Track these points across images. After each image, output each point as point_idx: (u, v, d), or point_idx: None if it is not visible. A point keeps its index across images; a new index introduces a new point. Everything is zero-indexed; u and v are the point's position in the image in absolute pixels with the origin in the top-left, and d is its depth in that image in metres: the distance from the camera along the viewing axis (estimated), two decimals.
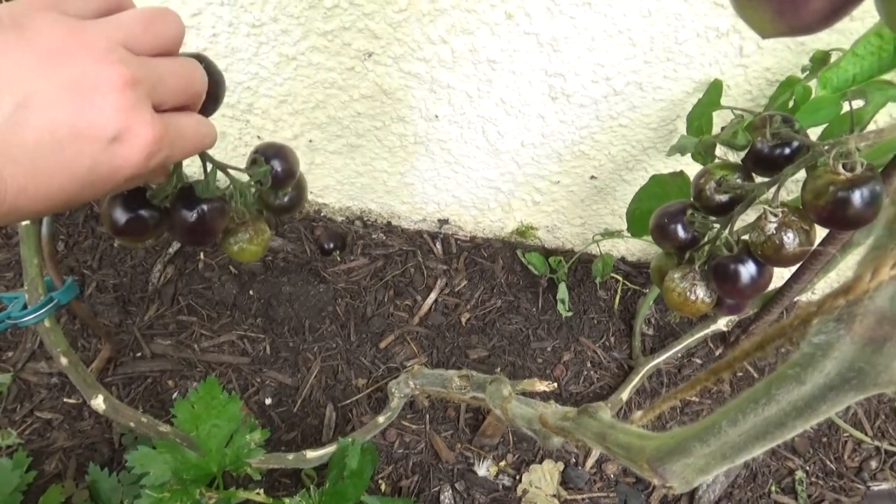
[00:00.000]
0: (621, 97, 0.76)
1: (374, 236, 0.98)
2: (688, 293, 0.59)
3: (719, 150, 0.63)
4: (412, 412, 0.86)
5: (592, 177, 0.88)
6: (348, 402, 0.85)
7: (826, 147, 0.50)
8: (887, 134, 0.53)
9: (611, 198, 0.90)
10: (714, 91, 0.72)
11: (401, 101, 0.81)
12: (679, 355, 0.93)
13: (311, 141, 0.89)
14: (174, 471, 0.55)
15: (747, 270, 0.55)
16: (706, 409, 0.91)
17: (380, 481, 0.81)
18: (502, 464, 0.83)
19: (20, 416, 0.82)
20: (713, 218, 0.59)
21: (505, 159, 0.87)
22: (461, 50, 0.74)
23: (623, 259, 1.00)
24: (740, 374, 0.96)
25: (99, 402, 0.67)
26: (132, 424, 0.67)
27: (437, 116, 0.82)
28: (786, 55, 0.69)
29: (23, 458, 0.75)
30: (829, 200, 0.49)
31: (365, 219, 1.00)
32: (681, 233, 0.60)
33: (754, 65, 0.71)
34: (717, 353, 0.94)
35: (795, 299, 0.84)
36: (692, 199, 0.60)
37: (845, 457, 0.91)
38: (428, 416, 0.86)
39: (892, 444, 0.93)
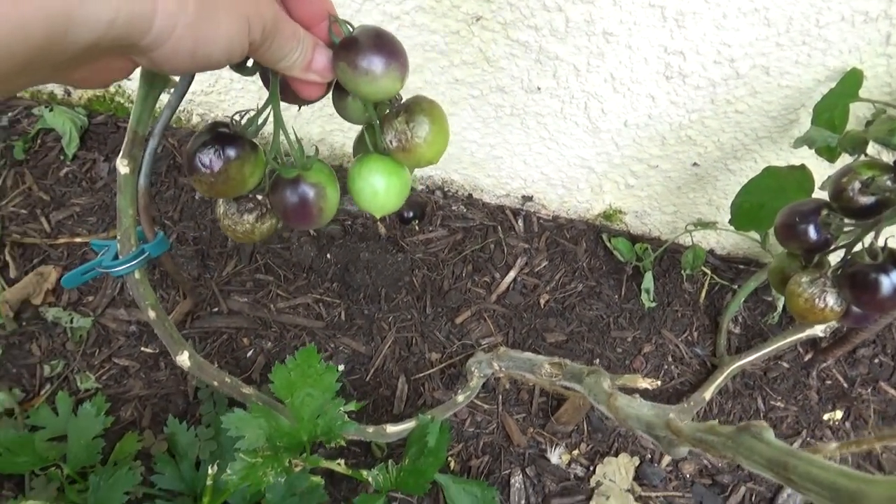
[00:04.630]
0: (743, 81, 0.71)
1: (454, 208, 0.95)
2: (816, 300, 0.55)
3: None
4: (485, 391, 0.84)
5: (695, 164, 0.83)
6: (421, 375, 0.84)
7: None
8: None
9: (710, 187, 0.86)
10: (851, 81, 0.66)
11: (503, 70, 0.78)
12: (766, 357, 0.89)
13: None
14: (268, 437, 0.54)
15: (891, 281, 0.51)
16: None
17: (449, 459, 0.80)
18: (575, 453, 0.81)
19: (98, 361, 0.82)
20: (852, 221, 0.54)
21: (604, 139, 0.82)
22: (577, 20, 0.69)
23: (712, 252, 0.95)
24: None
25: (184, 359, 0.67)
26: (215, 383, 0.67)
27: (539, 88, 0.78)
28: None
29: (102, 404, 0.75)
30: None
31: (446, 189, 0.97)
32: (812, 234, 0.56)
33: None
34: (807, 358, 0.89)
35: None
36: (829, 199, 0.56)
37: None
38: (501, 397, 0.84)
39: None
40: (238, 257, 0.89)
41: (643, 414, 0.49)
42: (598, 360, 0.86)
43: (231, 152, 0.41)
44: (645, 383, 0.59)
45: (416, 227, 0.93)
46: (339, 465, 0.63)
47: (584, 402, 0.82)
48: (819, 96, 0.69)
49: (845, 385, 0.89)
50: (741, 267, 0.94)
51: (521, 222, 0.95)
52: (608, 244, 0.92)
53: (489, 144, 0.88)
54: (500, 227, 0.94)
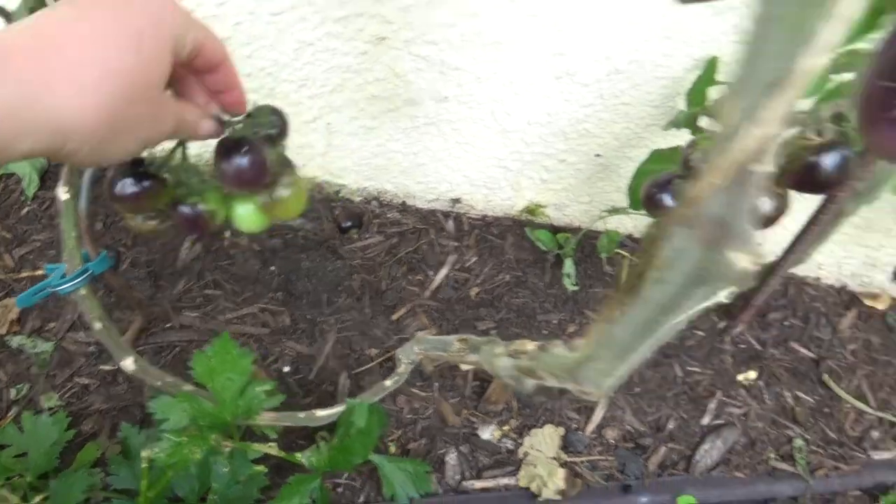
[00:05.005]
0: (624, 75, 0.79)
1: (389, 215, 1.02)
2: None
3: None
4: (422, 380, 0.90)
5: (598, 155, 0.91)
6: (361, 370, 0.90)
7: (801, 115, 0.53)
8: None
9: (616, 175, 0.93)
10: (711, 68, 0.75)
11: (412, 84, 0.85)
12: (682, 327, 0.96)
13: (329, 123, 0.93)
14: (192, 418, 0.60)
15: None
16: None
17: (389, 443, 0.86)
18: (506, 428, 0.87)
19: (61, 381, 0.88)
20: None
21: (513, 138, 0.90)
22: (468, 33, 0.77)
23: (630, 236, 1.03)
24: None
25: (129, 363, 0.73)
26: (159, 384, 0.73)
27: (446, 98, 0.86)
28: None
29: (62, 418, 0.81)
30: (801, 164, 0.52)
31: (381, 199, 1.04)
32: (668, 201, 0.63)
33: None
34: (721, 325, 0.96)
35: (791, 270, 0.86)
36: (679, 169, 0.63)
37: (847, 427, 0.93)
38: (437, 385, 0.90)
39: (894, 416, 0.95)
40: (188, 276, 0.96)
41: (506, 363, 0.56)
42: None
43: (142, 187, 0.50)
44: (531, 346, 0.66)
45: (355, 236, 1.00)
46: (272, 447, 0.69)
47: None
48: (691, 84, 0.77)
49: (758, 347, 0.96)
50: None
51: (451, 223, 1.02)
52: (531, 236, 0.99)
53: (412, 153, 0.95)
54: (432, 230, 1.01)
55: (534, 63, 0.80)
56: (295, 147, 0.94)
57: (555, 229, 1.02)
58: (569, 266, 0.95)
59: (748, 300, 0.91)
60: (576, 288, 0.96)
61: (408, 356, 0.82)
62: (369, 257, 0.98)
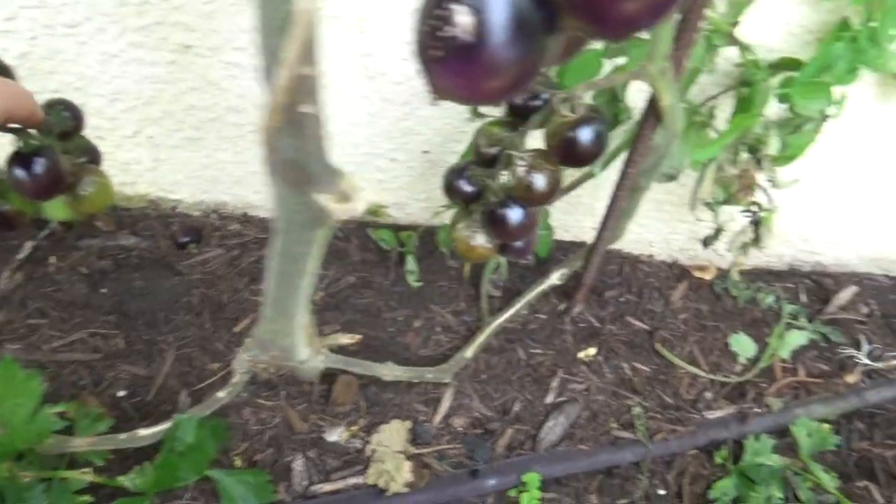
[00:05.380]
0: None
1: (230, 227, 1.01)
2: (469, 240, 0.65)
3: None
4: (268, 390, 0.89)
5: (425, 151, 0.93)
6: (202, 385, 0.88)
7: (561, 95, 0.56)
8: (607, 82, 0.60)
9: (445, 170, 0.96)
10: None
11: (228, 91, 0.85)
12: (524, 312, 0.99)
13: (151, 137, 0.91)
14: None
15: (512, 213, 0.61)
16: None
17: (234, 457, 0.84)
18: (354, 428, 0.87)
19: None
20: (491, 171, 0.64)
21: (340, 141, 0.91)
22: None
23: None
24: None
25: None
26: None
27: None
28: None
29: None
30: (560, 139, 0.56)
31: (220, 211, 1.02)
32: (465, 187, 0.65)
33: None
34: (561, 308, 1.01)
35: (610, 246, 0.91)
36: (472, 155, 0.66)
37: (682, 391, 0.99)
38: (284, 393, 0.89)
39: (725, 377, 1.01)
40: (9, 306, 0.90)
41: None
42: (371, 342, 0.94)
43: None
44: (345, 339, 0.66)
45: (194, 250, 0.98)
46: (88, 473, 0.66)
47: (351, 379, 0.88)
48: None
49: (597, 324, 1.00)
50: None
51: None
52: (373, 236, 1.00)
53: (243, 162, 0.94)
54: None
55: (344, 65, 0.81)
56: (120, 164, 0.92)
57: (398, 228, 1.03)
58: (410, 263, 0.97)
59: (580, 280, 0.95)
60: (420, 284, 0.98)
61: (241, 366, 0.81)
62: (209, 271, 0.96)
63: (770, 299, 1.09)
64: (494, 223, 0.62)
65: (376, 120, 0.88)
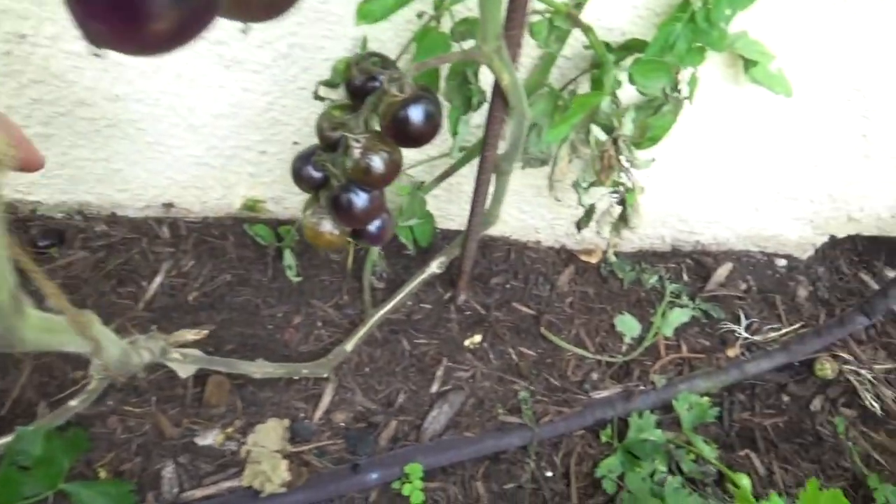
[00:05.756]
0: (290, 60, 0.80)
1: (96, 228, 0.96)
2: (317, 227, 0.63)
3: None
4: (137, 396, 0.85)
5: (295, 142, 0.91)
6: (63, 395, 0.83)
7: (390, 75, 0.55)
8: (437, 62, 0.60)
9: None
10: (364, 44, 0.77)
11: (75, 83, 0.80)
12: (409, 303, 0.98)
13: None
14: None
15: (354, 197, 0.60)
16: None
17: (98, 468, 0.80)
18: (230, 430, 0.84)
19: None
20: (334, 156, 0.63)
21: (204, 133, 0.88)
22: None
23: None
24: None
25: None
26: None
27: (118, 96, 0.82)
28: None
29: None
30: (391, 119, 0.55)
31: (85, 212, 0.97)
32: (312, 173, 0.64)
33: (396, 17, 0.76)
34: (447, 296, 1.00)
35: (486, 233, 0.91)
36: (319, 141, 0.64)
37: (568, 373, 1.00)
38: (154, 398, 0.85)
39: (611, 357, 1.03)
40: None
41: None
42: (249, 340, 0.91)
43: None
44: (191, 335, 0.64)
45: (56, 254, 0.92)
46: None
47: (222, 380, 0.85)
48: None
49: (482, 312, 1.01)
50: None
51: (166, 229, 0.97)
52: (250, 232, 0.97)
53: (103, 159, 0.90)
54: (144, 238, 0.96)
55: (197, 53, 0.78)
56: None
57: (278, 223, 1.01)
58: (288, 258, 0.94)
59: (460, 268, 0.95)
60: (299, 279, 0.95)
61: (98, 372, 0.77)
62: (73, 275, 0.91)
63: (654, 279, 1.12)
64: (338, 208, 0.60)
65: (239, 111, 0.85)
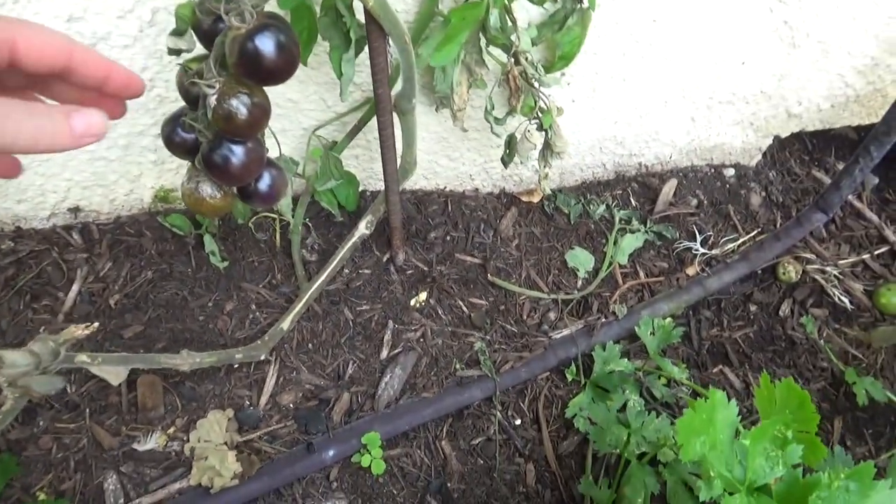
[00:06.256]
0: (158, 27, 0.74)
1: (2, 246, 0.90)
2: (197, 193, 0.58)
3: None
4: (69, 411, 0.80)
5: None
6: None
7: (228, 6, 0.50)
8: None
9: None
10: None
11: None
12: (347, 271, 0.94)
13: None
14: None
15: (227, 152, 0.55)
16: None
17: (37, 492, 0.75)
18: (171, 430, 0.80)
19: None
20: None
21: None
22: None
23: None
24: None
25: None
26: None
27: None
28: None
29: None
30: (238, 54, 0.49)
31: None
32: (183, 136, 0.58)
33: None
34: (385, 258, 0.96)
35: (407, 184, 0.86)
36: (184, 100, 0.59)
37: (524, 317, 0.97)
38: (88, 410, 0.80)
39: (567, 294, 1.00)
40: None
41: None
42: (180, 335, 0.86)
43: None
44: (79, 331, 0.59)
45: None
46: None
47: (153, 379, 0.81)
48: None
49: (424, 268, 0.96)
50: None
51: (77, 235, 0.92)
52: (166, 224, 0.92)
53: None
54: (55, 248, 0.90)
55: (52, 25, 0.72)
56: None
57: None
58: (209, 243, 0.89)
59: (390, 224, 0.91)
60: (225, 264, 0.90)
61: (13, 391, 0.71)
62: None
63: (601, 209, 1.08)
64: (211, 167, 0.55)
65: None
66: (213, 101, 0.51)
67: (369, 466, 0.80)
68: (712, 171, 1.16)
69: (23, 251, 0.89)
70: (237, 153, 0.55)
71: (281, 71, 0.50)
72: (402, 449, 0.84)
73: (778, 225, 1.13)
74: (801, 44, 0.95)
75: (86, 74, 0.40)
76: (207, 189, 0.58)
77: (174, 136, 0.58)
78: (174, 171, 0.91)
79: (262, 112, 0.53)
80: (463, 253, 0.99)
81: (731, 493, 0.54)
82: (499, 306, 0.96)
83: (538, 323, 0.97)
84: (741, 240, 1.10)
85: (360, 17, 0.66)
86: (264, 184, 0.60)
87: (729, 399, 0.61)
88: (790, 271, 1.07)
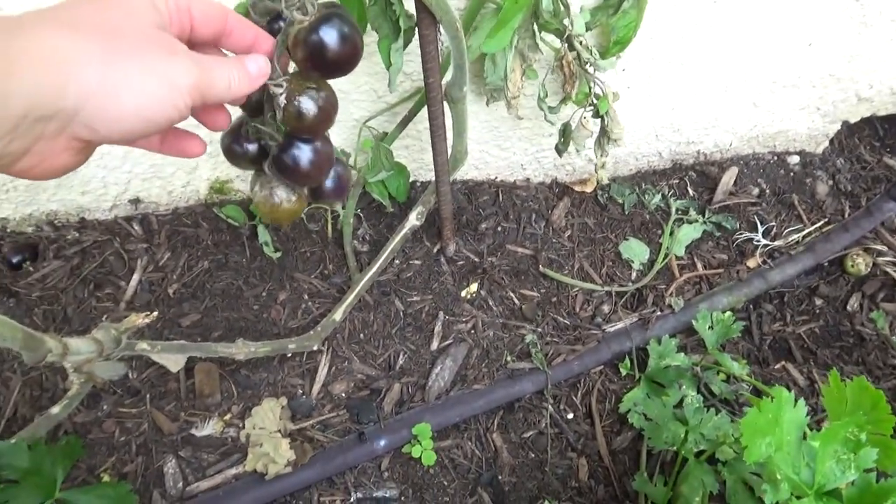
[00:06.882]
0: None
1: (67, 237, 0.93)
2: (271, 199, 0.57)
3: None
4: (131, 396, 0.83)
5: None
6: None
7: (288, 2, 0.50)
8: None
9: None
10: None
11: None
12: (398, 262, 0.94)
13: None
14: None
15: (298, 152, 0.54)
16: None
17: (102, 474, 0.78)
18: (228, 417, 0.82)
19: None
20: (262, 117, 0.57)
21: None
22: None
23: None
24: None
25: None
26: None
27: None
28: None
29: None
30: (302, 47, 0.49)
31: (54, 221, 0.94)
32: (246, 146, 0.58)
33: None
34: (435, 249, 0.95)
35: (455, 174, 0.85)
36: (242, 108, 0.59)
37: (577, 309, 0.95)
38: (148, 395, 0.83)
39: (621, 286, 0.97)
40: None
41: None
42: (235, 324, 0.87)
43: None
44: (140, 319, 0.60)
45: (31, 268, 0.90)
46: None
47: (210, 367, 0.83)
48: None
49: (475, 259, 0.95)
50: None
51: (137, 226, 0.94)
52: (221, 215, 0.93)
53: None
54: (116, 238, 0.93)
55: None
56: None
57: (249, 201, 0.97)
58: (263, 234, 0.90)
59: (440, 215, 0.90)
60: (278, 254, 0.92)
61: (78, 376, 0.74)
62: (50, 286, 0.89)
63: (657, 199, 1.05)
64: (284, 169, 0.55)
65: None
66: (282, 100, 0.51)
67: (420, 457, 0.80)
68: (775, 158, 1.11)
69: (87, 241, 0.92)
70: (309, 152, 0.54)
71: (347, 61, 0.50)
72: (452, 440, 0.84)
73: (846, 215, 1.08)
74: (872, 22, 0.90)
75: (238, 39, 0.44)
76: (282, 193, 0.57)
77: (235, 147, 0.58)
78: (227, 162, 0.92)
79: (331, 106, 0.52)
80: (514, 244, 0.98)
81: (798, 497, 0.51)
82: (550, 298, 0.95)
83: (591, 315, 0.95)
84: (806, 230, 1.05)
85: (408, 6, 0.65)
86: (332, 180, 0.60)
87: (794, 398, 0.58)
88: (859, 263, 1.02)
